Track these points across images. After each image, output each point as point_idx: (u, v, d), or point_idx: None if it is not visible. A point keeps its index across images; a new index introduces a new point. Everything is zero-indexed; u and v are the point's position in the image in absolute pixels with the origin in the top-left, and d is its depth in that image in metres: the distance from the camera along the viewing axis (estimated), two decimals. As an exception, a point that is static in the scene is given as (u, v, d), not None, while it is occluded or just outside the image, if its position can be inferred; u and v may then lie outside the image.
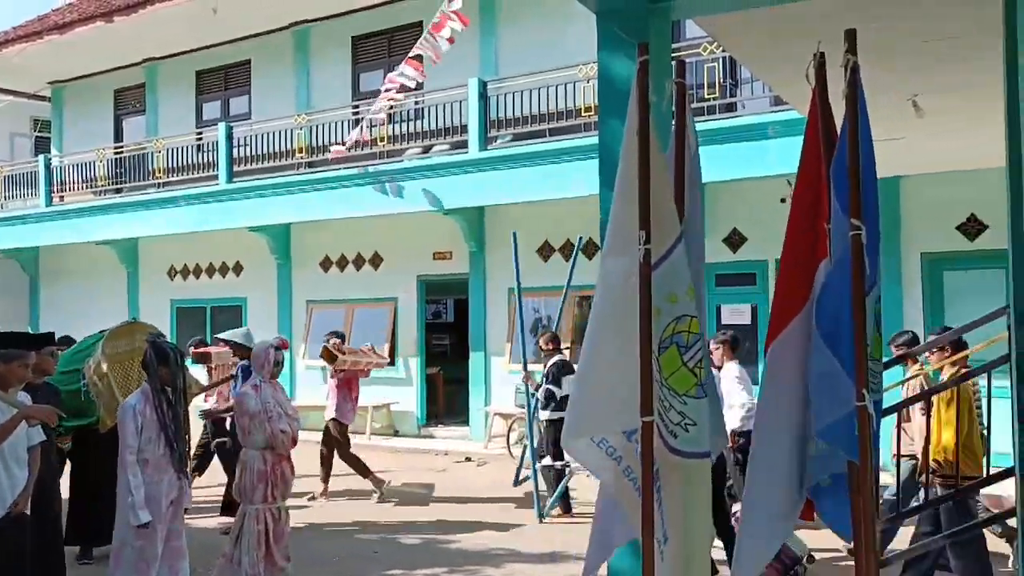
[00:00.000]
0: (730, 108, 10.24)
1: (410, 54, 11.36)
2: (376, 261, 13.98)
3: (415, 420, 13.43)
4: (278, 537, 5.49)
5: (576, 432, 2.68)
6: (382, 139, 12.24)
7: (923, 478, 5.66)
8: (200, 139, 14.96)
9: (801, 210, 2.71)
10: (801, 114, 5.38)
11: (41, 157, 16.88)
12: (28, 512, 4.89)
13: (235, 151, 14.11)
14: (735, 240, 10.96)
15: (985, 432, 5.34)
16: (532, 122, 11.33)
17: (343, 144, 12.29)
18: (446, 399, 14.76)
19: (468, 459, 11.25)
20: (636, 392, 2.56)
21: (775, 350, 2.68)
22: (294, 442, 5.53)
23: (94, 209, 15.74)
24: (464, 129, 11.86)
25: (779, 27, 4.16)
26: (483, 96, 11.64)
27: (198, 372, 8.50)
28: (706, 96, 10.02)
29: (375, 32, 14.22)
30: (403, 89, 11.35)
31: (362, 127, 11.68)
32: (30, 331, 16.57)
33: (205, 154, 14.79)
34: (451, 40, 11.05)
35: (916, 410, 5.92)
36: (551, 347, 8.53)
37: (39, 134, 21.04)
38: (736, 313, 10.81)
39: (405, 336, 13.60)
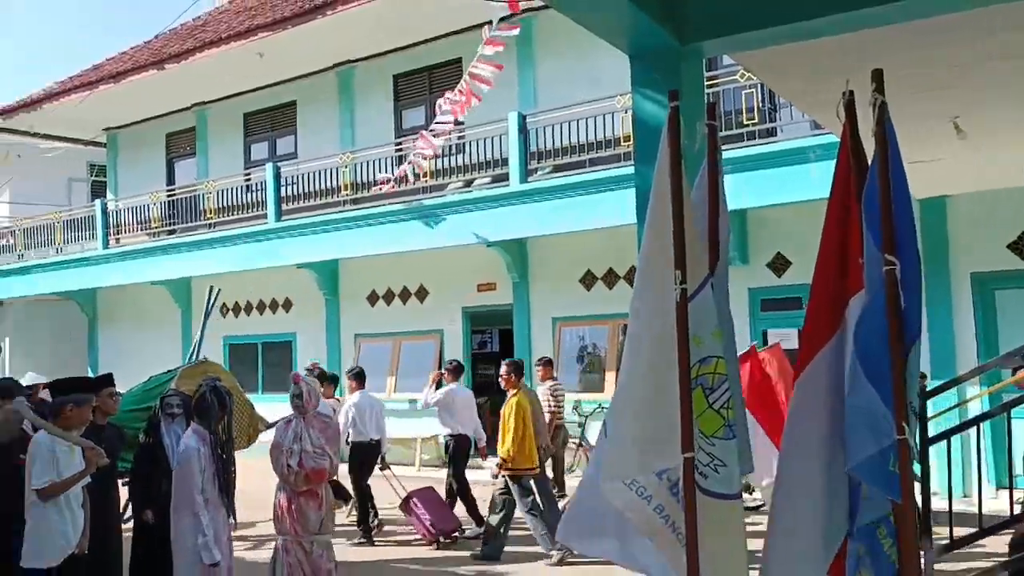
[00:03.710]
0: (770, 133, 10.24)
1: (451, 96, 11.51)
2: (422, 294, 14.17)
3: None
4: (315, 571, 5.57)
5: (610, 474, 2.69)
6: (425, 174, 12.46)
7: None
8: (249, 179, 15.36)
9: (831, 243, 2.73)
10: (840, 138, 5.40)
11: (98, 201, 17.47)
12: (86, 551, 5.07)
13: (283, 190, 14.45)
14: (779, 264, 10.90)
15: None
16: (571, 153, 11.45)
17: (387, 180, 12.53)
18: (494, 429, 14.76)
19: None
20: (667, 431, 2.58)
21: (801, 385, 2.68)
22: (318, 476, 5.56)
23: (148, 250, 16.21)
24: (505, 162, 12.02)
25: (812, 59, 4.21)
26: (522, 129, 11.80)
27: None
28: (744, 122, 10.05)
29: (415, 70, 14.53)
30: (443, 133, 11.49)
31: (408, 164, 11.88)
32: (89, 372, 17.11)
33: (254, 194, 15.18)
34: (491, 75, 11.17)
35: None
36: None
37: (95, 179, 21.77)
38: (783, 338, 10.72)
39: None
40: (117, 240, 17.07)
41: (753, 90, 9.91)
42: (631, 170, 9.10)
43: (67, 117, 17.96)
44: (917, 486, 4.18)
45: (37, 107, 17.92)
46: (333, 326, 15.04)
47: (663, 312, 2.62)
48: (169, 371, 7.54)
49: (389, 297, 14.52)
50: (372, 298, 14.70)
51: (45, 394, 6.16)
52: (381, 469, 9.08)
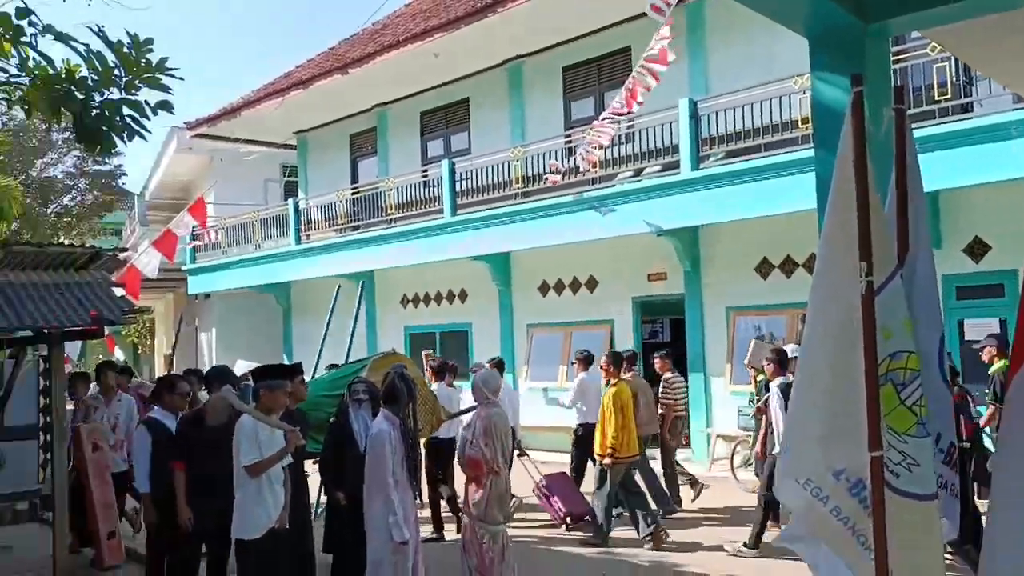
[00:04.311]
0: (965, 108, 9.52)
1: (622, 88, 11.48)
2: (592, 284, 14.23)
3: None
4: (481, 554, 5.76)
5: (785, 472, 2.64)
6: (594, 165, 12.48)
7: None
8: (426, 176, 15.97)
9: None
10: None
11: (290, 200, 18.72)
12: (287, 526, 5.50)
13: (457, 185, 14.93)
14: (977, 249, 10.13)
15: None
16: (745, 138, 11.12)
17: (557, 172, 12.67)
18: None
19: (692, 482, 11.10)
20: (849, 429, 2.50)
21: (1017, 384, 2.52)
22: (473, 466, 5.77)
23: (335, 245, 17.21)
24: (675, 149, 11.84)
25: (1009, 30, 3.90)
26: (694, 116, 11.58)
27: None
28: (936, 97, 9.39)
29: (584, 61, 14.58)
30: (618, 115, 11.47)
31: (579, 155, 11.95)
32: (284, 359, 18.42)
33: (430, 189, 15.77)
34: (661, 66, 11.06)
35: None
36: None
37: (288, 179, 23.35)
38: (981, 328, 9.96)
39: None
40: (307, 236, 18.22)
41: (946, 63, 9.24)
42: (809, 153, 8.83)
43: (262, 123, 19.36)
44: None
45: (236, 115, 19.45)
46: (506, 316, 15.41)
47: (846, 305, 2.54)
48: (360, 360, 8.02)
49: (560, 287, 14.69)
50: (543, 288, 14.92)
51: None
52: (518, 455, 9.18)
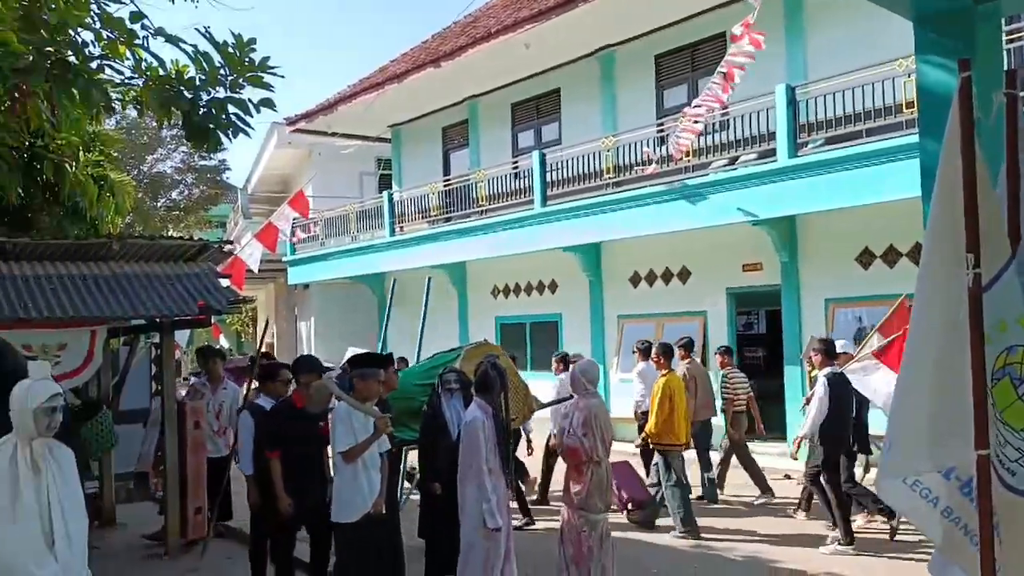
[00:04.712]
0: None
1: (715, 71, 11.32)
2: (684, 275, 14.05)
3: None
4: (579, 543, 5.79)
5: (887, 471, 2.56)
6: (688, 153, 12.30)
7: None
8: (516, 167, 16.04)
9: None
10: None
11: (385, 193, 19.10)
12: (384, 512, 5.65)
13: (548, 176, 14.94)
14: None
15: None
16: (846, 123, 10.76)
17: (649, 161, 12.54)
18: (760, 414, 14.34)
19: (787, 477, 10.88)
20: (956, 426, 2.42)
21: None
22: (571, 455, 5.82)
23: (428, 237, 17.49)
24: (772, 137, 11.56)
25: None
26: (791, 101, 11.26)
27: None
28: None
29: (677, 48, 14.36)
30: (713, 103, 11.31)
31: (671, 144, 11.80)
32: (379, 349, 18.83)
33: (521, 180, 15.83)
34: (753, 50, 10.84)
35: None
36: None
37: (382, 172, 23.82)
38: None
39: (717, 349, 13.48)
40: (401, 228, 18.56)
41: (1065, 41, 8.73)
42: (914, 139, 8.48)
43: (358, 117, 19.79)
44: None
45: (333, 109, 19.95)
46: (597, 307, 15.36)
47: (954, 299, 2.46)
48: (452, 350, 8.14)
49: (651, 278, 14.56)
50: (635, 279, 14.81)
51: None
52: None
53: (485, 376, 5.82)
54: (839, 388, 7.64)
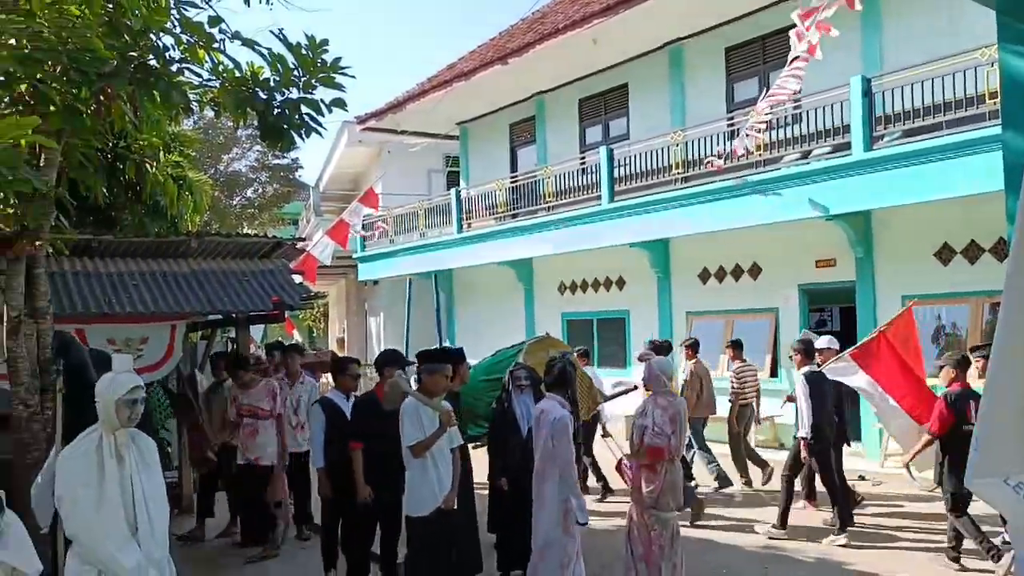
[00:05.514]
0: None
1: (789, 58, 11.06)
2: (755, 271, 13.82)
3: (801, 434, 12.98)
4: (648, 542, 5.74)
5: (982, 471, 2.48)
6: (759, 148, 12.07)
7: None
8: (583, 163, 15.99)
9: None
10: None
11: (452, 190, 19.25)
12: (455, 506, 5.69)
13: (616, 171, 14.86)
14: None
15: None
16: (924, 115, 10.42)
17: (719, 156, 12.36)
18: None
19: (861, 478, 10.62)
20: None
21: None
22: (654, 454, 5.76)
23: (495, 234, 17.56)
24: (846, 130, 11.27)
25: None
26: (867, 93, 10.96)
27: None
28: None
29: (748, 41, 14.12)
30: (782, 100, 11.08)
31: (742, 139, 11.61)
32: (448, 344, 19.03)
33: (588, 176, 15.76)
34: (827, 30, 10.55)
35: None
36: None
37: (450, 169, 24.03)
38: None
39: (788, 347, 13.23)
40: (469, 225, 18.68)
41: None
42: (996, 131, 8.17)
43: (426, 115, 20.00)
44: None
45: (402, 108, 20.21)
46: (665, 303, 15.22)
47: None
48: (514, 345, 8.17)
49: (721, 274, 14.36)
50: (704, 275, 14.63)
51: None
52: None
53: (563, 372, 5.83)
54: (818, 385, 7.97)
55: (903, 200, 10.68)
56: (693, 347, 10.49)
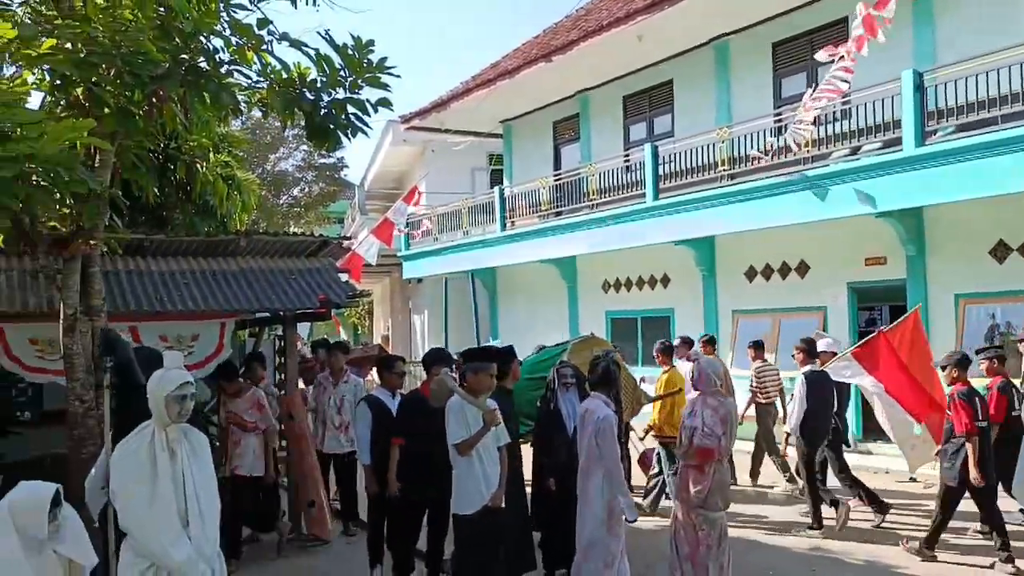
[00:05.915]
0: None
1: (838, 54, 10.89)
2: (802, 269, 13.61)
3: (851, 435, 12.75)
4: (695, 542, 5.69)
5: None
6: (807, 144, 11.87)
7: None
8: (628, 160, 15.89)
9: None
10: None
11: (496, 188, 19.27)
12: (502, 504, 5.69)
13: (660, 168, 14.73)
14: None
15: None
16: (979, 109, 10.16)
17: (766, 152, 12.18)
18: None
19: (912, 479, 10.41)
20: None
21: None
22: (703, 455, 5.70)
23: (538, 231, 17.53)
24: (897, 125, 11.03)
25: None
26: (919, 88, 10.72)
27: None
28: None
29: (795, 35, 13.91)
30: (833, 94, 10.92)
31: (792, 132, 11.45)
32: (491, 342, 19.06)
33: (633, 173, 15.65)
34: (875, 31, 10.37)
35: None
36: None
37: (494, 167, 24.06)
38: None
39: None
40: (512, 223, 18.68)
41: None
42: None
43: (470, 113, 20.06)
44: None
45: (446, 106, 20.29)
46: (710, 302, 15.07)
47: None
48: (559, 344, 8.16)
49: (768, 272, 14.17)
50: (750, 273, 14.45)
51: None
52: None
53: (607, 372, 5.82)
54: (818, 385, 8.06)
55: (956, 196, 10.43)
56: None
